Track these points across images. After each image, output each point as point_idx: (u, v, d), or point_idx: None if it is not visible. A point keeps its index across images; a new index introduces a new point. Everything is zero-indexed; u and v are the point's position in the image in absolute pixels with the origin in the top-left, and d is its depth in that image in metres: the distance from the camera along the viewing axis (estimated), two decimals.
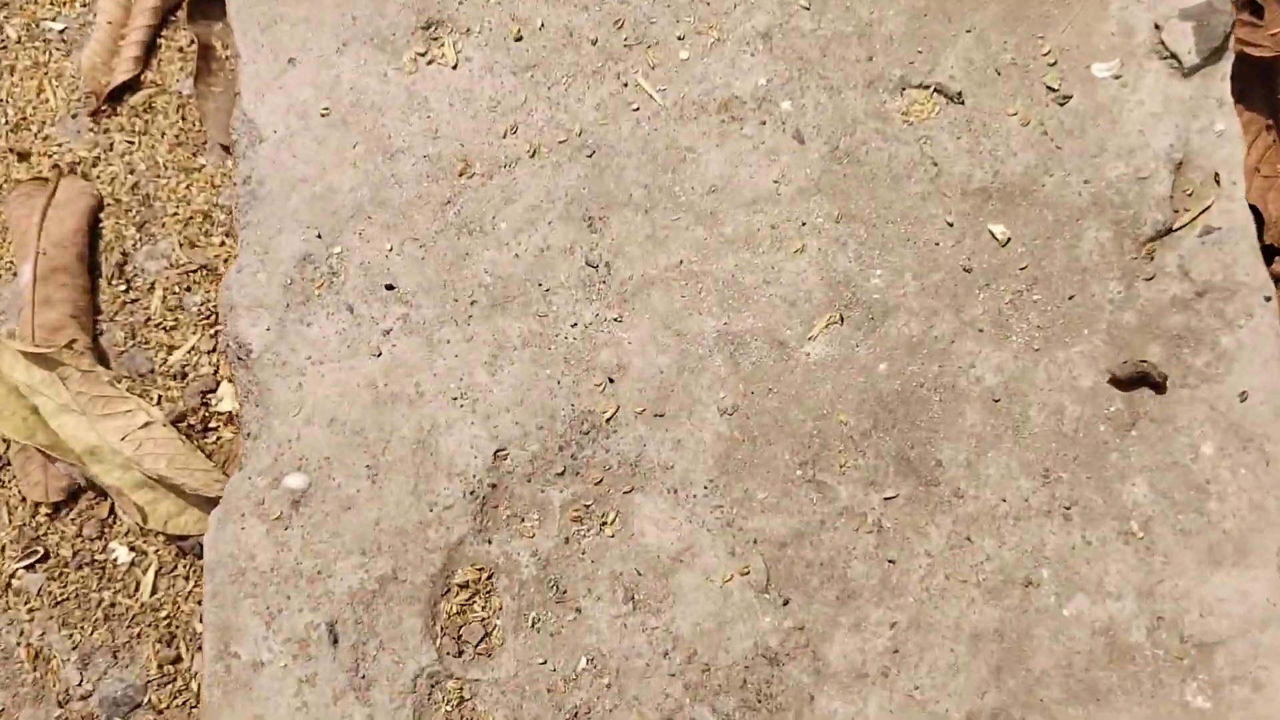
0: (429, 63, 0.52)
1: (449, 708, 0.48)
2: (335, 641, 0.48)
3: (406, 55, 0.52)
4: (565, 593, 0.48)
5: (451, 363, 0.49)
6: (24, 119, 0.69)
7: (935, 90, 0.50)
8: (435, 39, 0.52)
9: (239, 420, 0.51)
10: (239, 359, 0.50)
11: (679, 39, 0.51)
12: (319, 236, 0.50)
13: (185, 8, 0.68)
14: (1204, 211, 0.49)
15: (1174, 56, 0.50)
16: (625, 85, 0.51)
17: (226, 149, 0.66)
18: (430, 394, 0.49)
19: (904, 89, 0.50)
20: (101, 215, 0.66)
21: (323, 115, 0.51)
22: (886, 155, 0.50)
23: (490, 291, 0.49)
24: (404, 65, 0.52)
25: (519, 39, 0.52)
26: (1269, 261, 0.53)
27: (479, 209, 0.50)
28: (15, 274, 0.65)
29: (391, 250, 0.50)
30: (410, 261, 0.50)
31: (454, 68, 0.51)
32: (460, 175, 0.50)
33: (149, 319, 0.64)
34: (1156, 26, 0.50)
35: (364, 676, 0.48)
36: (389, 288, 0.50)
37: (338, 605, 0.48)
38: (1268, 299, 0.49)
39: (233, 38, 0.53)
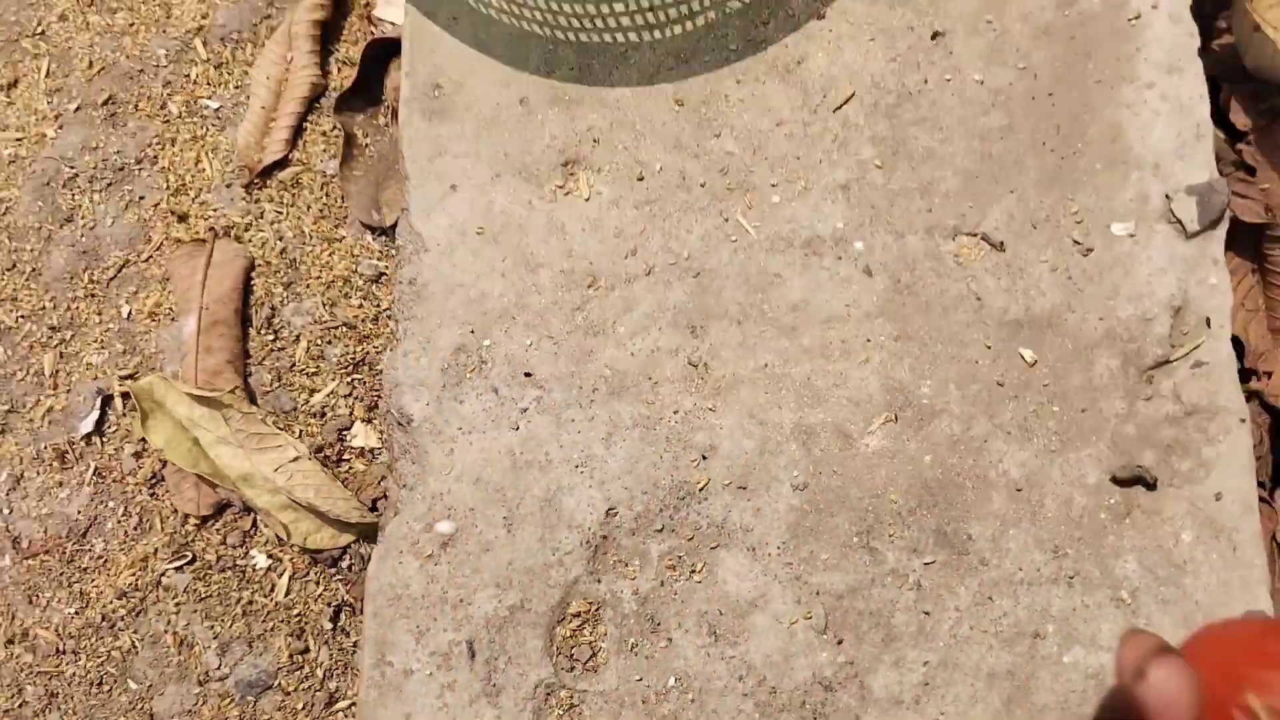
0: (566, 194, 0.68)
1: (561, 711, 0.65)
2: (472, 656, 0.65)
3: (548, 186, 0.69)
4: (659, 625, 0.65)
5: (575, 437, 0.66)
6: (183, 185, 0.85)
7: (982, 238, 0.67)
8: (572, 175, 0.69)
9: (397, 474, 0.68)
10: (399, 425, 0.67)
11: (772, 185, 0.68)
12: (472, 332, 0.67)
13: (334, 101, 0.84)
14: (1195, 348, 0.66)
15: (1180, 223, 0.66)
16: (726, 221, 0.67)
17: (366, 226, 0.82)
18: (557, 462, 0.66)
19: (956, 236, 0.67)
20: (253, 274, 0.82)
21: (478, 233, 0.68)
22: (939, 289, 0.66)
23: (609, 382, 0.66)
24: (545, 195, 0.68)
25: (640, 179, 0.68)
26: (1246, 380, 0.69)
27: (603, 315, 0.67)
28: (173, 319, 0.81)
29: (530, 345, 0.66)
30: (545, 355, 0.66)
31: (586, 200, 0.68)
32: (589, 287, 0.67)
33: (293, 365, 0.81)
34: (1167, 197, 0.67)
35: (494, 685, 0.65)
36: (527, 375, 0.66)
37: (475, 627, 0.65)
38: (1243, 420, 0.65)
39: (402, 162, 0.69)
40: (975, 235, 0.68)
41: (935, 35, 0.71)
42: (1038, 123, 0.70)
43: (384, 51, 0.87)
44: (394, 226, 0.82)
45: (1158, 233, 0.67)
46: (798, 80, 0.71)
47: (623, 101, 0.71)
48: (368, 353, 0.80)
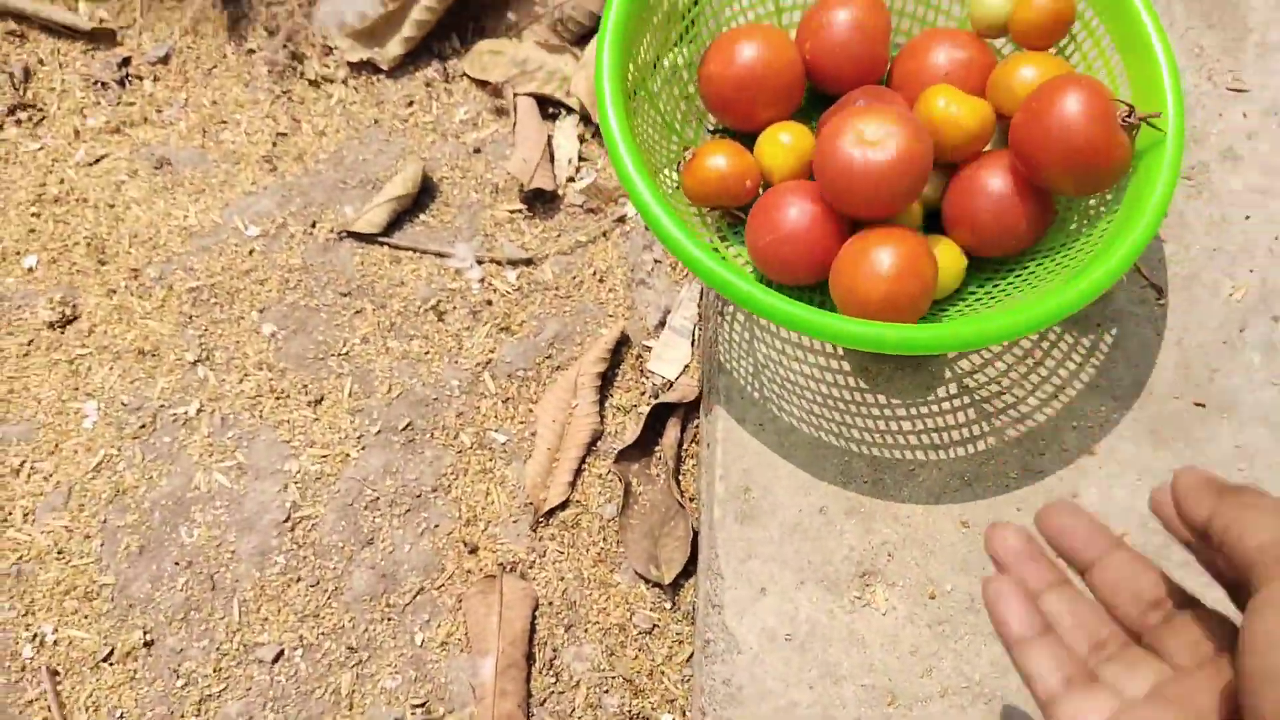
0: (864, 605, 0.74)
1: None
2: None
3: (847, 597, 0.74)
4: None
5: None
6: (474, 517, 0.91)
7: None
8: (869, 586, 0.74)
9: None
10: None
11: None
12: None
13: (615, 453, 0.91)
14: None
15: None
16: None
17: (640, 575, 0.88)
18: None
19: None
20: (536, 613, 0.88)
21: (786, 639, 0.73)
22: None
23: None
24: (845, 605, 0.74)
25: (932, 597, 0.73)
26: None
27: None
28: (463, 650, 0.86)
29: None
30: None
31: (883, 614, 0.73)
32: (888, 705, 0.71)
33: (572, 711, 0.85)
34: None
35: None
36: None
37: None
38: None
39: (716, 561, 0.75)
40: None
41: None
42: None
43: (663, 411, 0.94)
44: (673, 585, 0.88)
45: None
46: None
47: (913, 518, 0.77)
48: (643, 708, 0.85)
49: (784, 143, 0.78)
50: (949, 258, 0.75)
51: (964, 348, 0.67)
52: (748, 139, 0.81)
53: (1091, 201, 0.76)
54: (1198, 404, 0.79)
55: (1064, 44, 0.79)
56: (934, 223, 0.80)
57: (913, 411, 0.80)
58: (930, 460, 0.78)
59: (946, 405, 0.80)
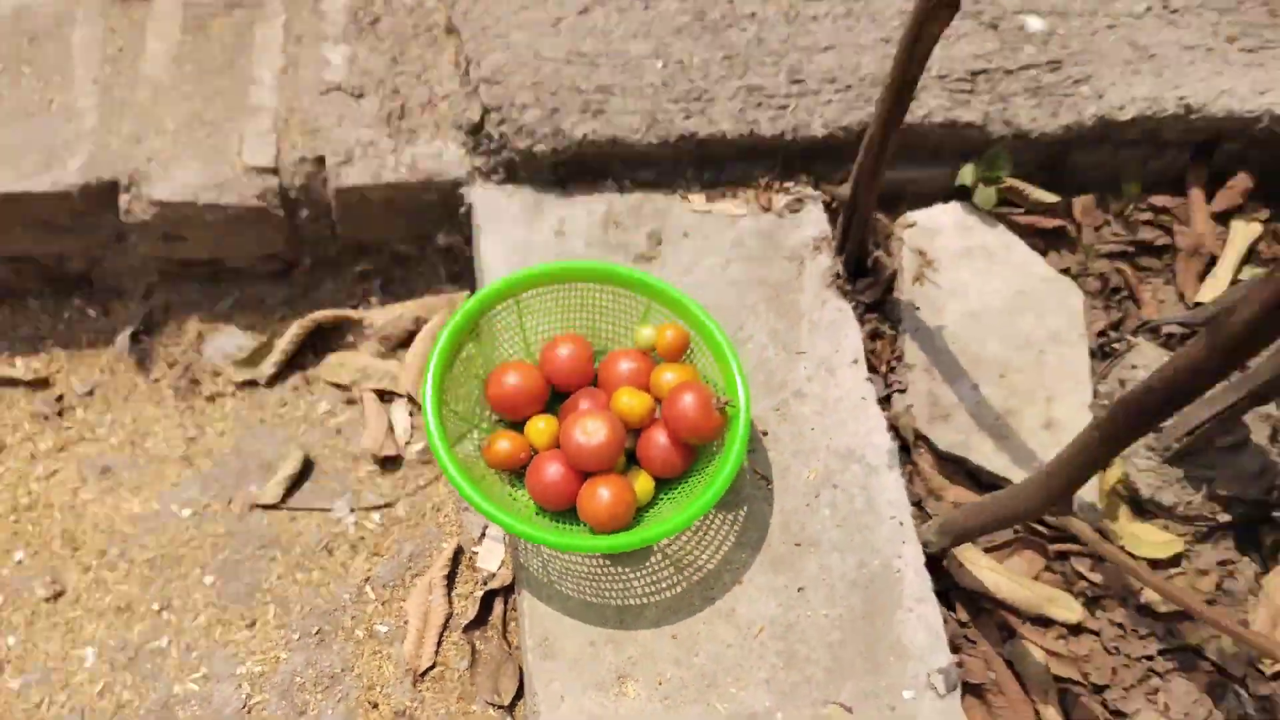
0: (622, 696, 1.23)
1: None
2: None
3: (611, 693, 1.24)
4: None
5: None
6: (373, 683, 1.36)
7: (839, 705, 1.24)
8: (623, 684, 1.24)
9: None
10: None
11: (729, 683, 1.25)
12: None
13: (462, 626, 1.38)
14: None
15: (935, 689, 1.25)
16: (708, 706, 1.23)
17: (490, 704, 1.35)
18: None
19: (827, 704, 1.24)
20: None
21: None
22: None
23: None
24: (610, 698, 1.23)
25: (660, 684, 1.24)
26: None
27: None
28: None
29: None
30: None
31: (633, 699, 1.23)
32: None
33: None
34: (928, 675, 1.26)
35: None
36: None
37: None
38: None
39: (531, 686, 1.23)
40: (838, 704, 1.25)
41: (799, 589, 1.32)
42: (860, 637, 1.29)
43: (491, 594, 1.42)
44: (510, 706, 1.35)
45: (925, 696, 1.27)
46: (735, 621, 1.29)
47: (645, 639, 1.28)
48: None
49: (540, 427, 1.31)
50: (643, 482, 1.29)
51: (653, 542, 1.20)
52: (519, 424, 1.34)
53: (713, 445, 1.32)
54: (797, 544, 1.35)
55: (690, 355, 1.37)
56: (634, 459, 1.34)
57: (638, 574, 1.32)
58: (650, 602, 1.30)
59: (657, 567, 1.32)
